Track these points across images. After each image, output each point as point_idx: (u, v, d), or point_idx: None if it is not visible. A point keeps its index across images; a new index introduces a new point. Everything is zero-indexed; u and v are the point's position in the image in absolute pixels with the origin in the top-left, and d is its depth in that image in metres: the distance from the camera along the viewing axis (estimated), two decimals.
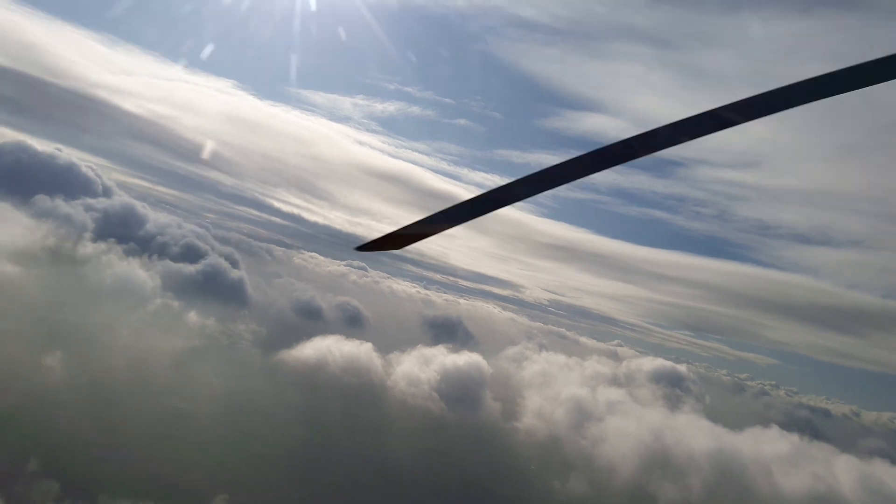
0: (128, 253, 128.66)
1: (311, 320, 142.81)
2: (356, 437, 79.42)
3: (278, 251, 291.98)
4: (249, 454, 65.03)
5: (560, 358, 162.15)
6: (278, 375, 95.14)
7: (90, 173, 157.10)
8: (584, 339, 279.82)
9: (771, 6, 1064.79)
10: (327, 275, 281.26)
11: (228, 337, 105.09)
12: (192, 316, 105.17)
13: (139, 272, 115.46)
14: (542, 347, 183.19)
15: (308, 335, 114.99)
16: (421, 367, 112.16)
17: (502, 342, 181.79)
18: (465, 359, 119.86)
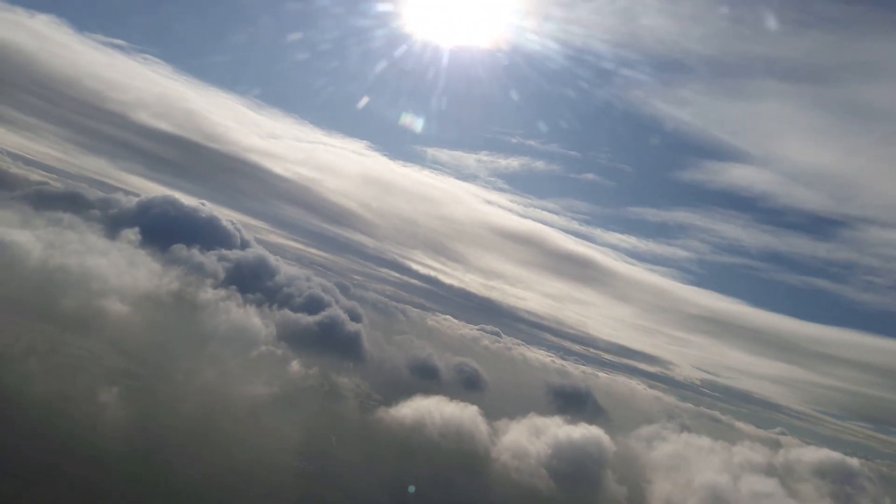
0: (251, 302, 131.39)
1: (424, 379, 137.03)
2: None
3: (413, 312, 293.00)
4: None
5: (703, 441, 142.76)
6: (372, 433, 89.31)
7: (230, 227, 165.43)
8: (739, 425, 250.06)
9: None
10: (458, 338, 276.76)
11: (328, 389, 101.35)
12: (295, 365, 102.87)
13: (254, 320, 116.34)
14: (683, 428, 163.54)
15: (416, 394, 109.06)
16: (531, 438, 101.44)
17: (637, 420, 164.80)
18: (584, 432, 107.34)
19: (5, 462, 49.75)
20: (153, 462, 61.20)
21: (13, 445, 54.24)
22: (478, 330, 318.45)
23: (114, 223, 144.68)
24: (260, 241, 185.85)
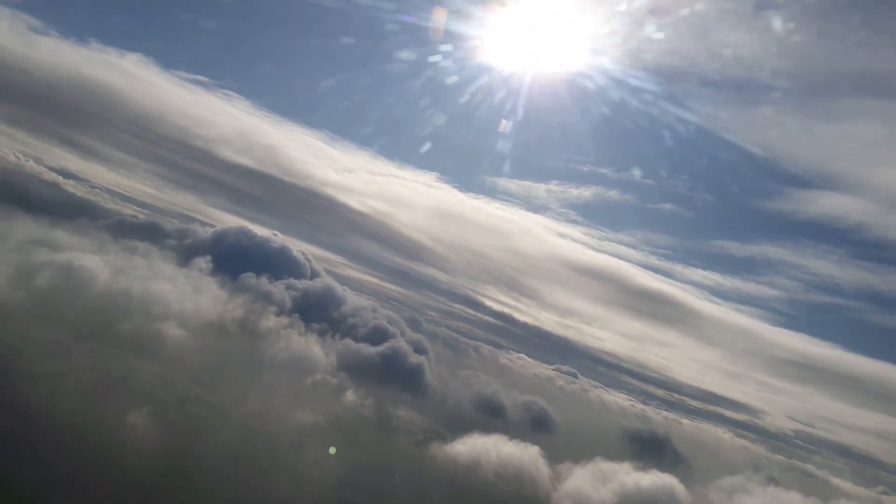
0: (315, 331, 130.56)
1: (488, 416, 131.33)
2: None
3: (485, 349, 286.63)
4: None
5: (793, 496, 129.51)
6: (424, 469, 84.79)
7: (300, 257, 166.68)
8: (836, 481, 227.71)
9: None
10: (532, 377, 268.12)
11: (383, 421, 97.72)
12: (350, 395, 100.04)
13: (314, 348, 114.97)
14: (771, 481, 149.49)
15: (476, 431, 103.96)
16: (596, 484, 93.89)
17: (719, 470, 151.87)
18: (655, 480, 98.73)
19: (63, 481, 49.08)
20: (198, 488, 59.53)
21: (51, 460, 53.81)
22: (553, 370, 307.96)
23: (188, 252, 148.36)
24: (338, 276, 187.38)
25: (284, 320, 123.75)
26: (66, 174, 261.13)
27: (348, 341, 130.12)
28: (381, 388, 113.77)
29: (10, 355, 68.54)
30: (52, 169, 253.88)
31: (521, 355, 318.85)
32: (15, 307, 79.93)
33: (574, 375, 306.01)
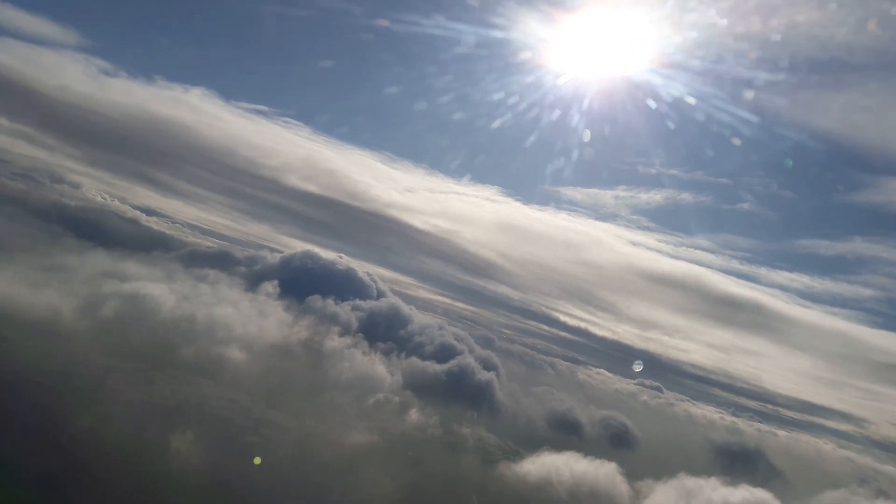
0: (382, 350, 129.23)
1: (562, 433, 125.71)
2: None
3: (562, 365, 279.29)
4: None
5: None
6: (491, 488, 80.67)
7: (366, 278, 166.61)
8: None
9: None
10: (613, 392, 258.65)
11: (448, 439, 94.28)
12: (414, 414, 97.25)
13: (378, 367, 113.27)
14: (879, 494, 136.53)
15: (553, 449, 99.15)
16: (679, 501, 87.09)
17: (820, 484, 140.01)
18: (746, 496, 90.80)
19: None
20: None
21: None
22: (636, 385, 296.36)
23: (256, 278, 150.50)
24: (408, 297, 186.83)
25: (348, 340, 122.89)
26: (150, 211, 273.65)
27: (414, 359, 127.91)
28: (448, 406, 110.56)
29: (74, 382, 69.51)
30: (136, 207, 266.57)
31: (601, 371, 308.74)
32: (82, 336, 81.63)
33: (658, 389, 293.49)
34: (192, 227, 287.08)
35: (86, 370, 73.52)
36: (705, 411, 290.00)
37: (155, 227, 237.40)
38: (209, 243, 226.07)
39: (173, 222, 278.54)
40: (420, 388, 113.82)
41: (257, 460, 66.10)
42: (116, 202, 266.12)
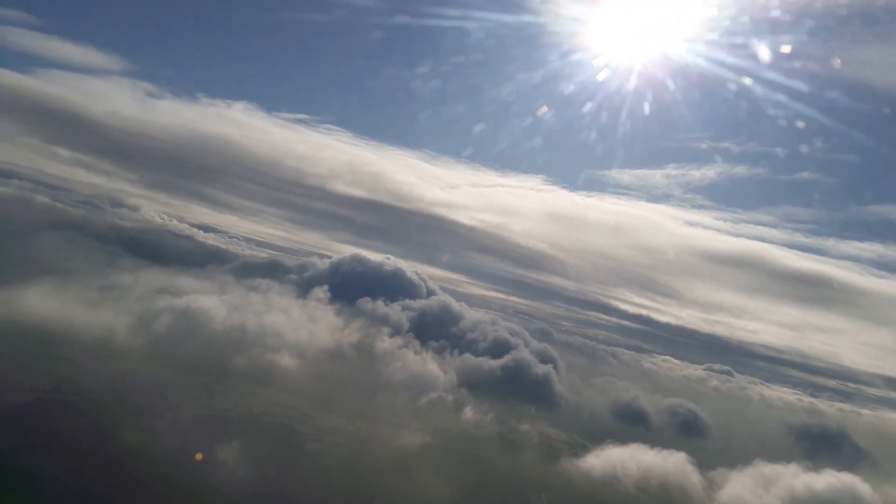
0: (434, 349, 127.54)
1: (627, 424, 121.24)
2: None
3: (626, 355, 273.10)
4: None
5: None
6: (553, 486, 77.62)
7: (414, 278, 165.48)
8: None
9: None
10: (681, 379, 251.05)
11: (506, 436, 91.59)
12: (469, 412, 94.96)
13: (431, 366, 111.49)
14: None
15: (617, 441, 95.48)
16: (758, 491, 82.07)
17: None
18: (832, 481, 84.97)
19: None
20: None
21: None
22: (704, 370, 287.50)
23: (307, 285, 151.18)
24: (461, 294, 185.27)
25: (399, 341, 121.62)
26: (207, 228, 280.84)
27: (467, 356, 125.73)
28: (505, 402, 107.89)
29: (130, 399, 69.92)
30: (193, 225, 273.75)
31: (667, 358, 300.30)
32: (136, 352, 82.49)
33: (729, 374, 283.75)
34: (247, 240, 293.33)
35: (141, 386, 73.85)
36: (781, 393, 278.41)
37: (211, 242, 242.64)
38: (262, 254, 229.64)
39: (229, 237, 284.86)
40: (475, 385, 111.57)
41: (313, 466, 65.26)
42: (175, 221, 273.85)
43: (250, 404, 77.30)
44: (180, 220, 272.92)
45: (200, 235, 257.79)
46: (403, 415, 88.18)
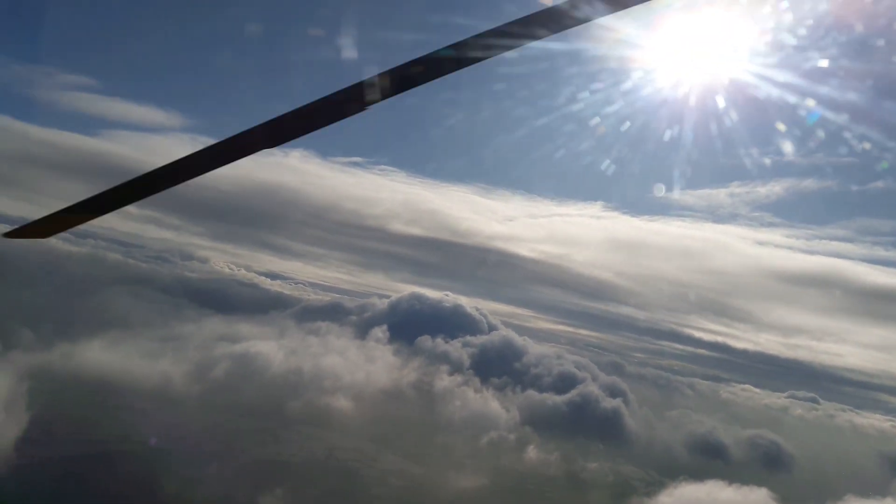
0: (495, 386, 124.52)
1: (705, 459, 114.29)
2: None
3: (702, 385, 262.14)
4: None
5: None
6: None
7: (475, 314, 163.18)
8: None
9: None
10: (762, 409, 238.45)
11: (573, 477, 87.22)
12: (532, 451, 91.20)
13: (492, 404, 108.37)
14: None
15: (687, 477, 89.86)
16: None
17: None
18: None
19: None
20: None
21: None
22: (787, 398, 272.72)
23: (366, 326, 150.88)
24: (528, 329, 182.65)
25: (459, 378, 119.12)
26: (273, 275, 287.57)
27: (531, 393, 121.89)
28: (571, 439, 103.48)
29: (190, 445, 69.96)
30: (260, 273, 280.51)
31: (747, 386, 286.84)
32: (192, 400, 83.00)
33: (814, 401, 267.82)
34: (312, 285, 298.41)
35: (202, 433, 74.00)
36: (872, 420, 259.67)
37: (276, 288, 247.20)
38: (325, 298, 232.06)
39: (295, 283, 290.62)
40: (539, 422, 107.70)
41: None
42: (243, 271, 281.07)
43: (313, 448, 76.49)
44: (248, 269, 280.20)
45: (266, 283, 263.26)
46: (465, 455, 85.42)
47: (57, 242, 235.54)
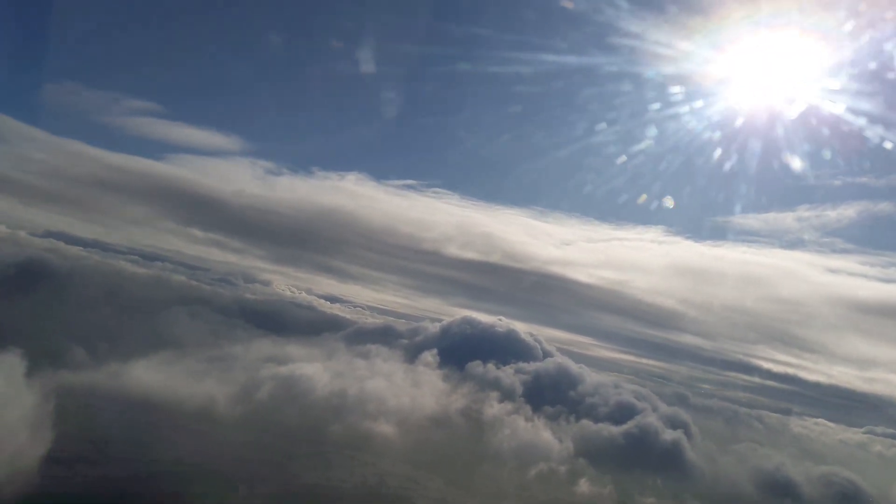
0: (548, 415, 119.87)
1: (773, 497, 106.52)
2: None
3: (772, 418, 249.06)
4: None
5: None
6: None
7: (529, 340, 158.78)
8: None
9: None
10: (837, 444, 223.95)
11: None
12: (584, 484, 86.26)
13: (543, 434, 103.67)
14: None
15: None
16: None
17: None
18: None
19: None
20: None
21: None
22: (865, 433, 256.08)
23: (417, 349, 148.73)
24: (588, 358, 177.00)
25: (509, 406, 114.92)
26: (333, 299, 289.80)
27: (586, 423, 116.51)
28: (628, 472, 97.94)
29: (228, 465, 68.74)
30: (321, 296, 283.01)
31: (820, 421, 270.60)
32: (234, 421, 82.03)
33: (894, 437, 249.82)
34: (370, 308, 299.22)
35: (243, 454, 72.75)
36: None
37: (333, 311, 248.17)
38: (378, 321, 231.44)
39: (354, 306, 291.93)
40: (593, 454, 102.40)
41: None
42: (304, 293, 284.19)
43: (364, 474, 74.20)
44: (309, 291, 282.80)
45: (324, 305, 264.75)
46: (514, 486, 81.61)
47: (125, 264, 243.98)
